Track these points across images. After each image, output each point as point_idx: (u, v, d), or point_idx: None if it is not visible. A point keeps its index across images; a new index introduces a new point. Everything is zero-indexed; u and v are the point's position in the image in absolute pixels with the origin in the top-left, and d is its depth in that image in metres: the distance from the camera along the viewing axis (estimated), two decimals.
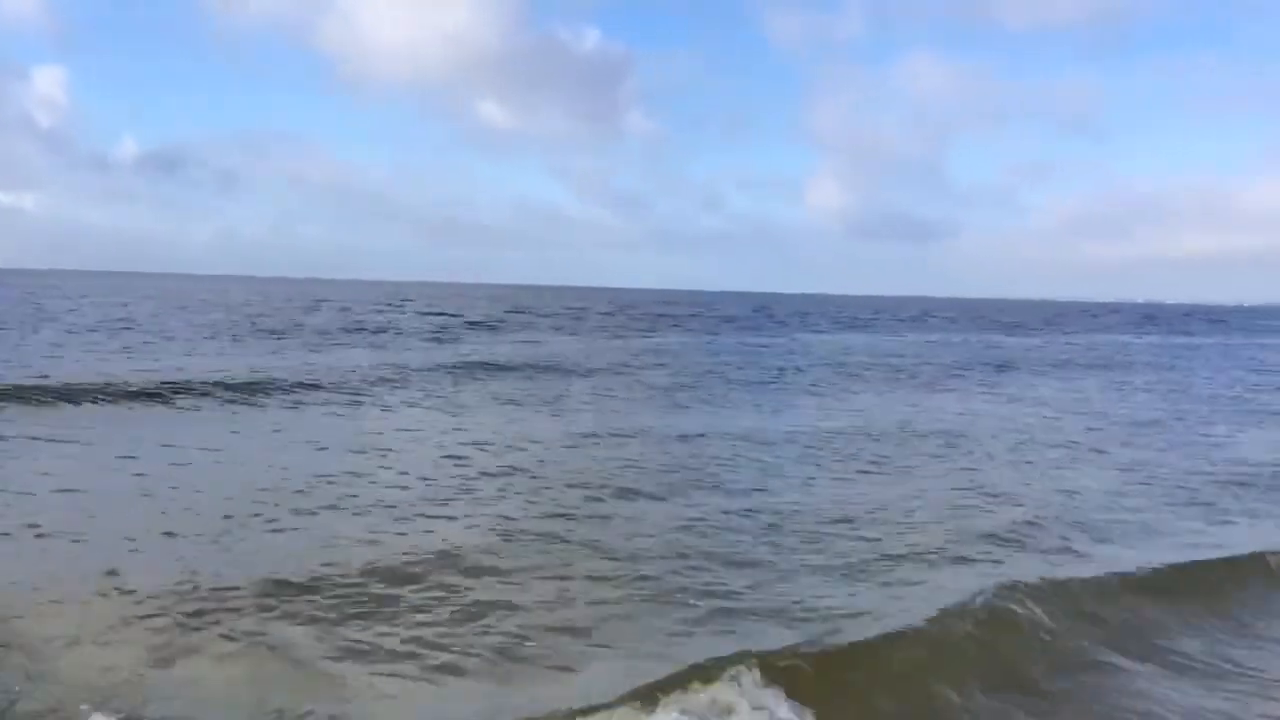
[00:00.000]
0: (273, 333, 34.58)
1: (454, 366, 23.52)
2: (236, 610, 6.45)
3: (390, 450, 12.57)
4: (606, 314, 64.28)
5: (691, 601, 7.01)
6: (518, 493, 10.27)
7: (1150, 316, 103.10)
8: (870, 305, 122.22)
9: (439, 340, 34.44)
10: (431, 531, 8.58)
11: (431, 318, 48.58)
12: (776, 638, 6.27)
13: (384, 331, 37.61)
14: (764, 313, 77.12)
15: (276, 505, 9.25)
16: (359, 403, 17.42)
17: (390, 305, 64.71)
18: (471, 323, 45.45)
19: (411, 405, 17.43)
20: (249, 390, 17.64)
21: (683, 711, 5.83)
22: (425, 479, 10.76)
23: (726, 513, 9.70)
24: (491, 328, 43.13)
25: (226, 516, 8.75)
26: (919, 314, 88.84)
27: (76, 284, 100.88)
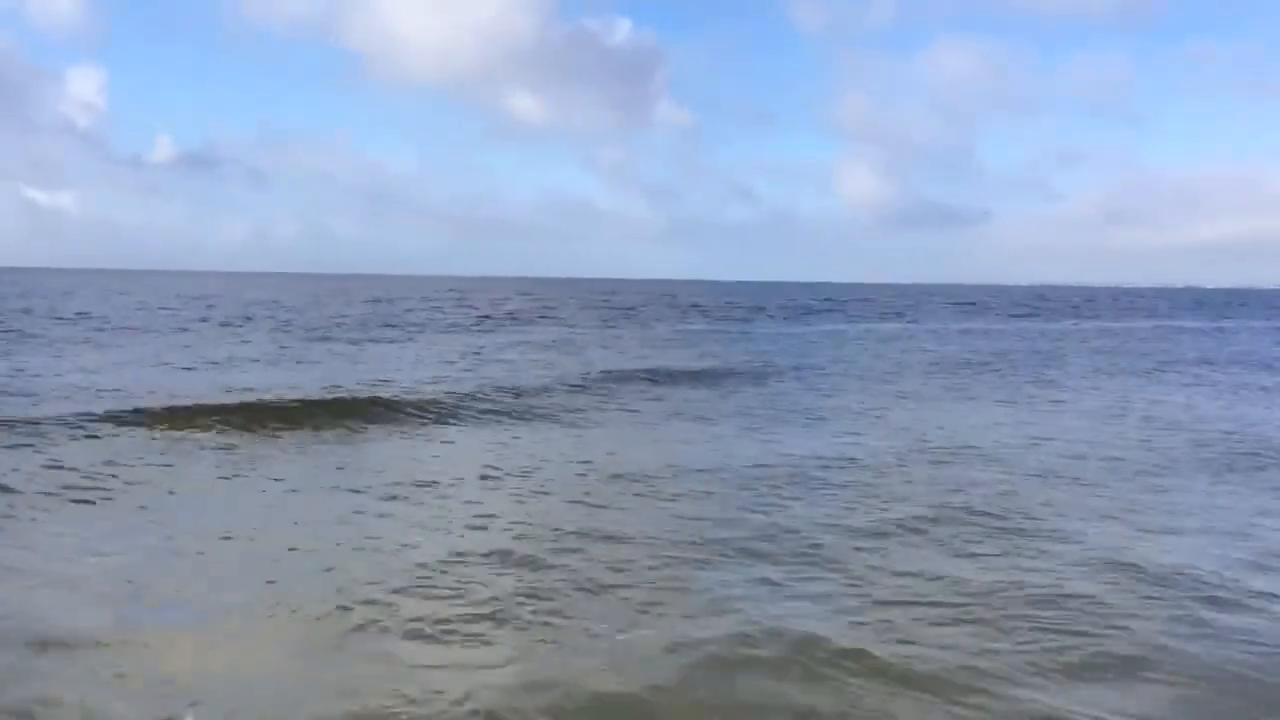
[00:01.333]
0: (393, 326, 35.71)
1: (627, 375, 21.20)
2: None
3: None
4: (687, 307, 64.35)
5: None
6: None
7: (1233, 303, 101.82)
8: (921, 293, 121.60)
9: (578, 343, 31.99)
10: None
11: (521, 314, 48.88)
12: None
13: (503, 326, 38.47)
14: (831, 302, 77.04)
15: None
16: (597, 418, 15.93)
17: (462, 301, 65.19)
18: (568, 325, 42.22)
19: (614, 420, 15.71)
20: (446, 408, 15.83)
21: None
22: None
23: None
24: (610, 325, 42.57)
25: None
26: (967, 303, 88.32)
27: (128, 283, 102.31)
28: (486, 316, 45.03)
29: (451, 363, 23.50)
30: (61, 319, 35.87)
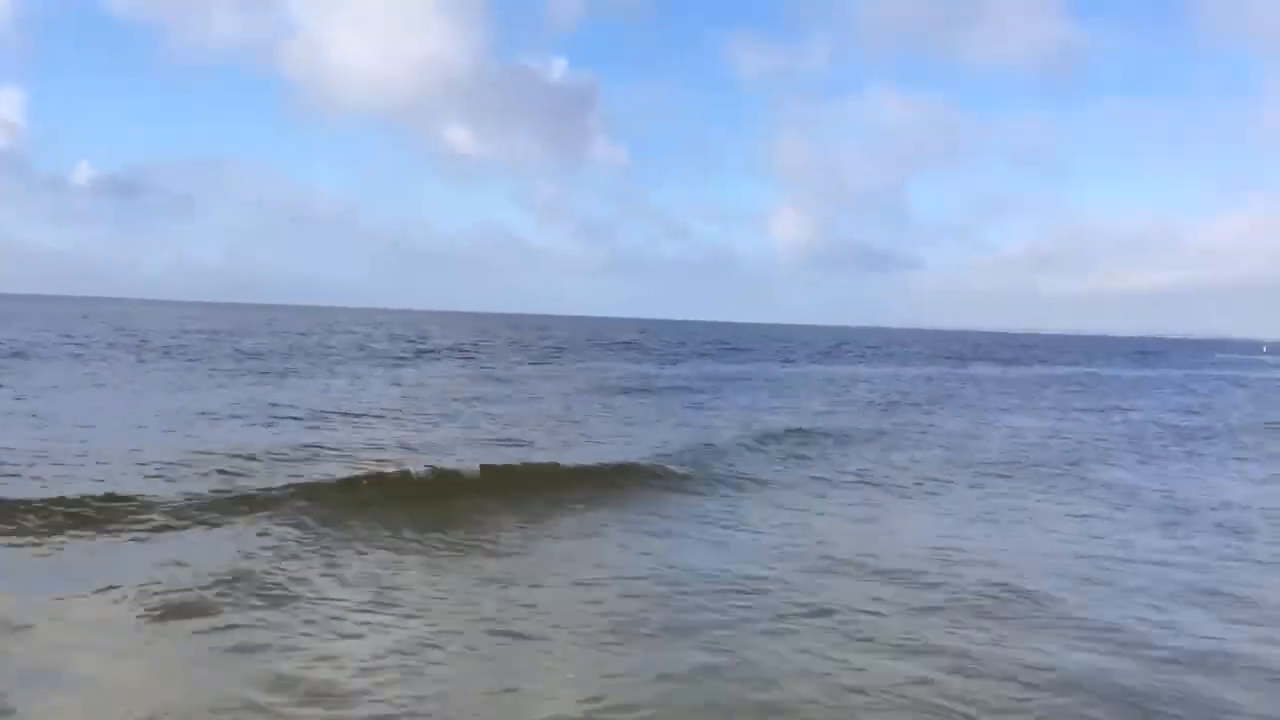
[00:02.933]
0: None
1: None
2: None
3: None
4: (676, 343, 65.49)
5: None
6: None
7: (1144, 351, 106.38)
8: (848, 336, 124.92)
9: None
10: None
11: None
12: None
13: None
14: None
15: None
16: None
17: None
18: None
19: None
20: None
21: None
22: None
23: None
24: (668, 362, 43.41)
25: None
26: (883, 343, 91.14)
27: (63, 309, 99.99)
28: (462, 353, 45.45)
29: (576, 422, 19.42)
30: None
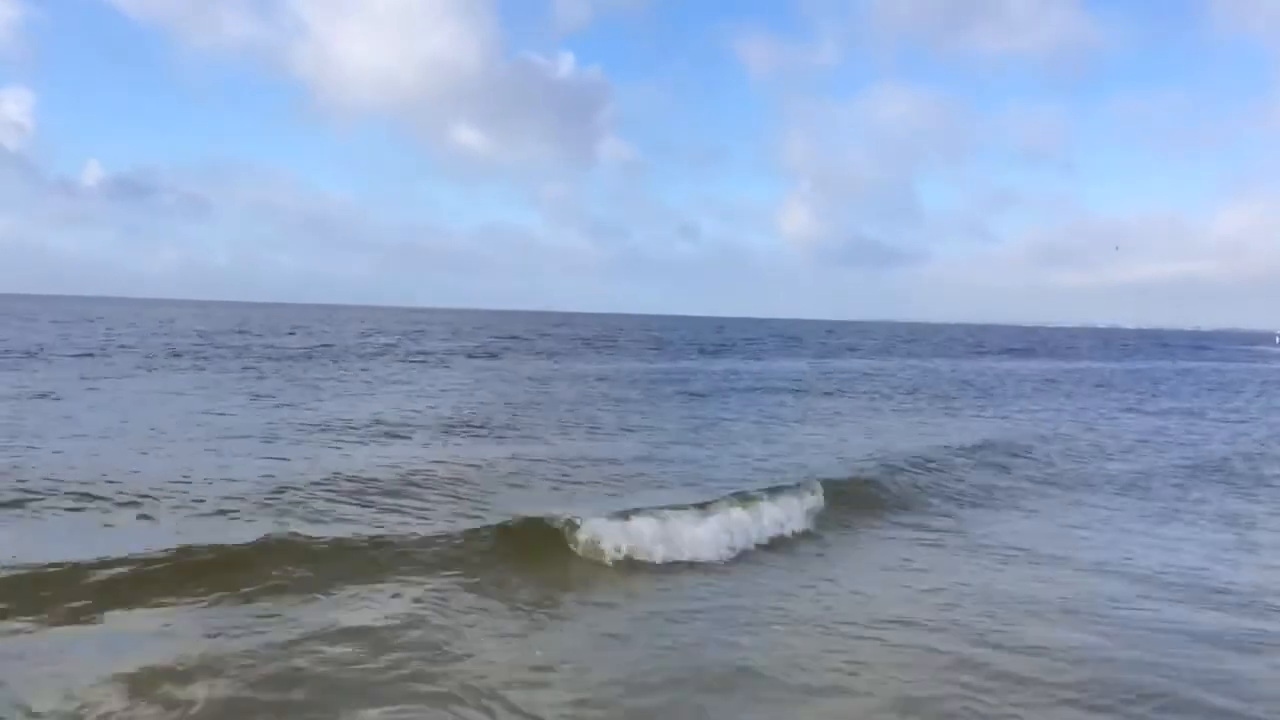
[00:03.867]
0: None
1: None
2: None
3: None
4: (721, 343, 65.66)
5: None
6: None
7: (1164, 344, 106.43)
8: (859, 330, 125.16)
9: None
10: None
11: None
12: None
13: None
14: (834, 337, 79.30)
15: None
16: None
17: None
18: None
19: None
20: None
21: None
22: None
23: None
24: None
25: None
26: (886, 339, 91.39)
27: (97, 310, 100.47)
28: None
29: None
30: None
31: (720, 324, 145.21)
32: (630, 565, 8.72)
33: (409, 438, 15.22)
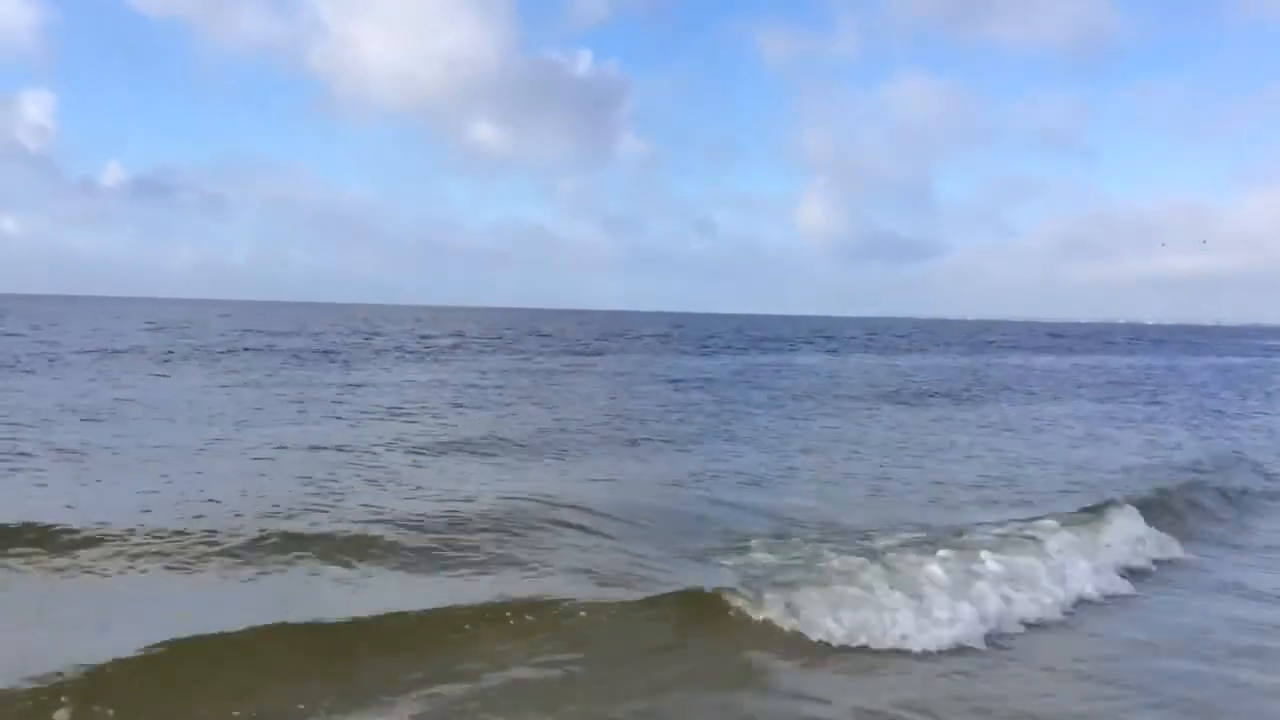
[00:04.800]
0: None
1: None
2: None
3: None
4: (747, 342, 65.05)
5: None
6: None
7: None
8: (886, 327, 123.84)
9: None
10: None
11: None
12: None
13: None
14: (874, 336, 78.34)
15: None
16: None
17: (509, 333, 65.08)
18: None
19: None
20: None
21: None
22: None
23: None
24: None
25: None
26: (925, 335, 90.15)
27: (106, 309, 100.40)
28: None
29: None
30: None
31: (742, 322, 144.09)
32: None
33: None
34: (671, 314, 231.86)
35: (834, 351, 51.03)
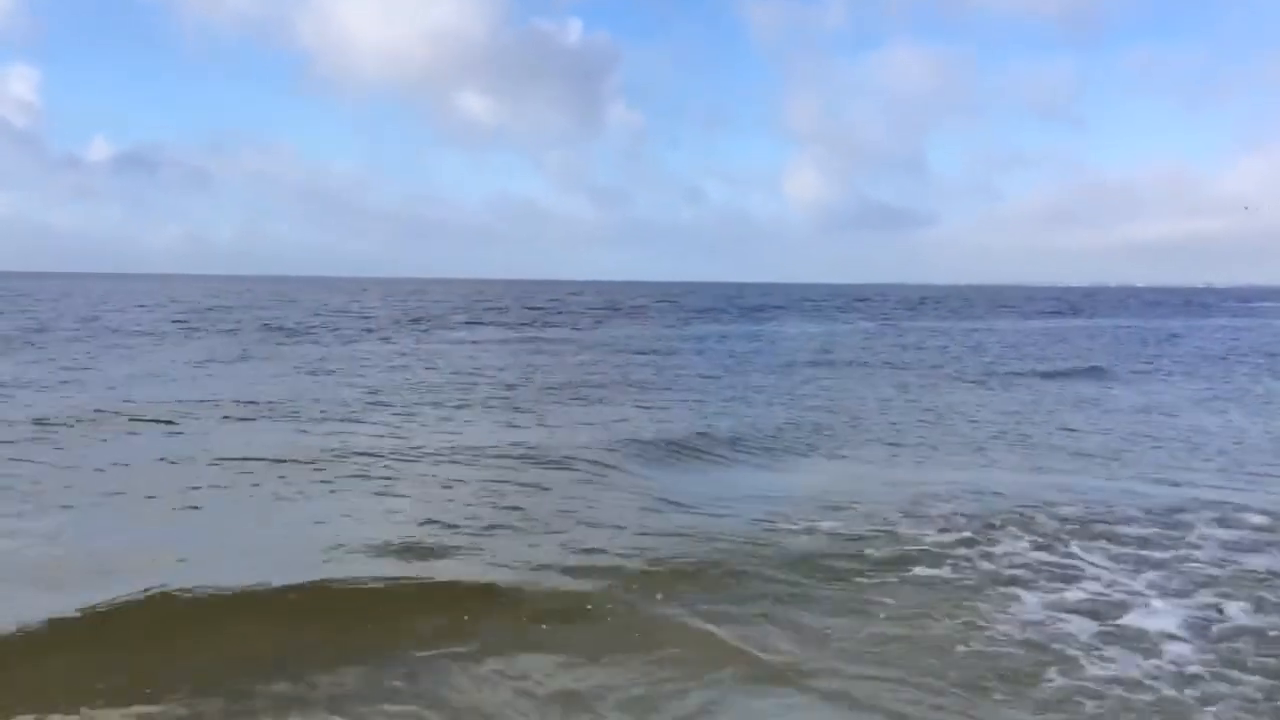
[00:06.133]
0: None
1: None
2: None
3: None
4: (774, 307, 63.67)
5: None
6: None
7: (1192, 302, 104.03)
8: (878, 293, 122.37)
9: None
10: None
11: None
12: None
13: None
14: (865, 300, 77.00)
15: None
16: None
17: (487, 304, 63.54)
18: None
19: None
20: None
21: None
22: None
23: None
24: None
25: None
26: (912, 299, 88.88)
27: (74, 286, 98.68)
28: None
29: None
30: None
31: (737, 290, 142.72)
32: None
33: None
34: (665, 284, 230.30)
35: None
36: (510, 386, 18.17)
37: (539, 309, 58.41)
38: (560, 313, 54.37)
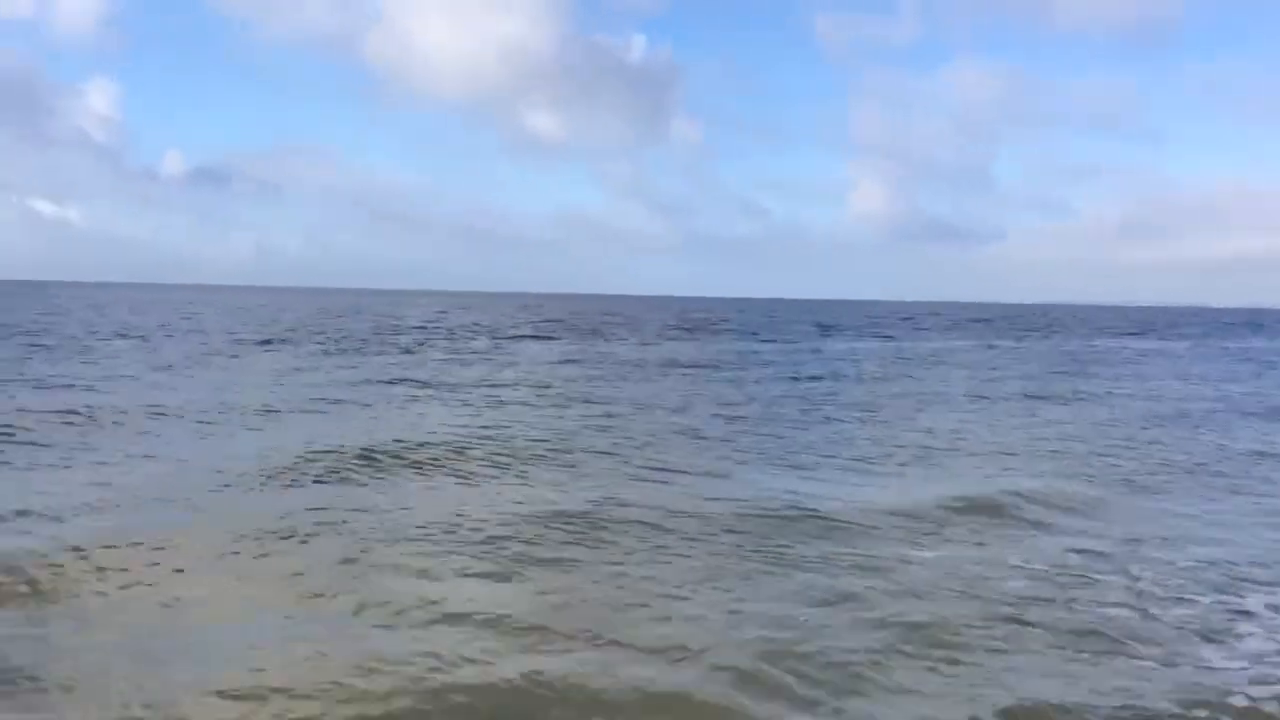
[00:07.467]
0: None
1: None
2: None
3: None
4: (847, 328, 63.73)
5: None
6: None
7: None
8: (929, 310, 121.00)
9: None
10: None
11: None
12: None
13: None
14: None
15: None
16: None
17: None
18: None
19: None
20: None
21: None
22: None
23: None
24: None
25: None
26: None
27: (160, 297, 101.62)
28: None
29: None
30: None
31: (811, 307, 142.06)
32: None
33: None
34: (732, 299, 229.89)
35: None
36: None
37: (676, 328, 58.75)
38: (697, 334, 54.75)
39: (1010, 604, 7.18)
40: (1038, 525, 9.84)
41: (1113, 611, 7.11)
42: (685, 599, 7.14)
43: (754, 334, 50.75)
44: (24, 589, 6.99)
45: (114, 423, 14.46)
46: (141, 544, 7.99)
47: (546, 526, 8.94)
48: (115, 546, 7.89)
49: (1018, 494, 10.90)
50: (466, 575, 7.60)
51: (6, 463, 11.42)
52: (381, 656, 5.83)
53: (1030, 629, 6.68)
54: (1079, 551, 8.73)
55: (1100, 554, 8.65)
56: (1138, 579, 7.92)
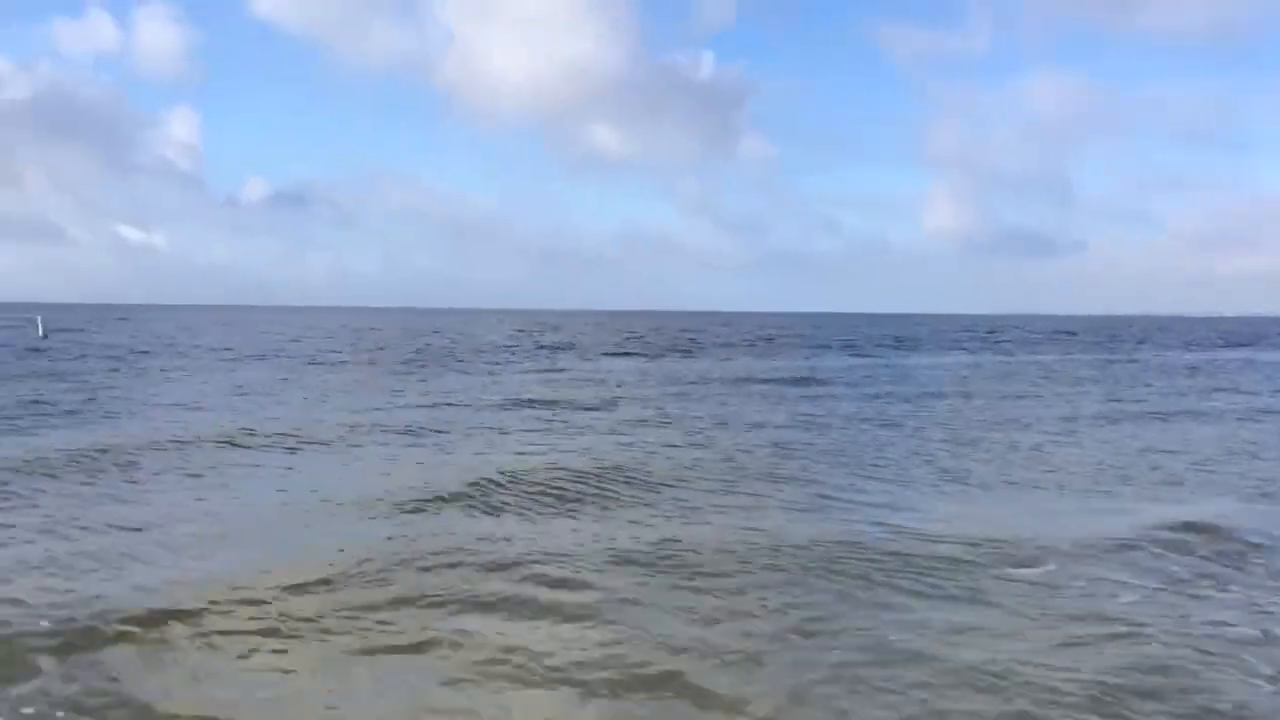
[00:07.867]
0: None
1: None
2: None
3: None
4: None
5: None
6: None
7: None
8: (1008, 324, 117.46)
9: None
10: None
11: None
12: None
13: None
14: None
15: None
16: None
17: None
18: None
19: None
20: None
21: None
22: None
23: None
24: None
25: None
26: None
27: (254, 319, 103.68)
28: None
29: None
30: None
31: (891, 320, 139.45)
32: None
33: None
34: (806, 315, 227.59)
35: None
36: None
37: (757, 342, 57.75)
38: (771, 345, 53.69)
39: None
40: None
41: None
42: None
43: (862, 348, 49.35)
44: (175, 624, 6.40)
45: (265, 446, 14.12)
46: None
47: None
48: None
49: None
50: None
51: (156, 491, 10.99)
52: None
53: None
54: None
55: None
56: None
